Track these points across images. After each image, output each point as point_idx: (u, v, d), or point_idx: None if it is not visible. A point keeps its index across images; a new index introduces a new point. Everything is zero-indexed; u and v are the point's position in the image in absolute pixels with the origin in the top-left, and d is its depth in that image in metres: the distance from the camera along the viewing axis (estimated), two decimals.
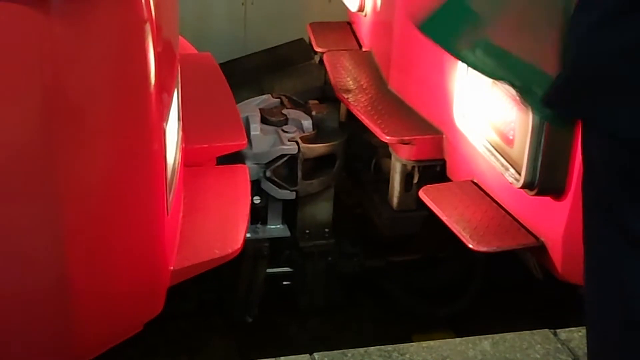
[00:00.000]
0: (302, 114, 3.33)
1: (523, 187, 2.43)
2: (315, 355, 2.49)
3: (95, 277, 2.04)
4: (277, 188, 3.19)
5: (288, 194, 3.21)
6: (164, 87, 2.10)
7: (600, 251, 1.40)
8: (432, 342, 2.57)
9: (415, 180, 3.09)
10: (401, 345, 2.55)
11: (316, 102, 3.50)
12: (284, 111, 3.34)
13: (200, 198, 2.55)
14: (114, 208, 2.04)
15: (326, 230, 3.38)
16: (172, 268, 2.23)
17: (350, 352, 2.52)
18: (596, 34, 1.25)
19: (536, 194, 2.43)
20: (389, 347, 2.54)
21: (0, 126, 1.84)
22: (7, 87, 1.82)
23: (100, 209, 2.02)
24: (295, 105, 3.42)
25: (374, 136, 3.16)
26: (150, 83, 1.97)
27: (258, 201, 3.18)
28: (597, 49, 1.25)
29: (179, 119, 2.44)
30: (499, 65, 1.50)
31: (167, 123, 2.14)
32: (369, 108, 3.23)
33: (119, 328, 2.18)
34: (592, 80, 1.26)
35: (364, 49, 3.77)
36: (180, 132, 2.48)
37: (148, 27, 1.93)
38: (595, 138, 1.33)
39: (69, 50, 1.84)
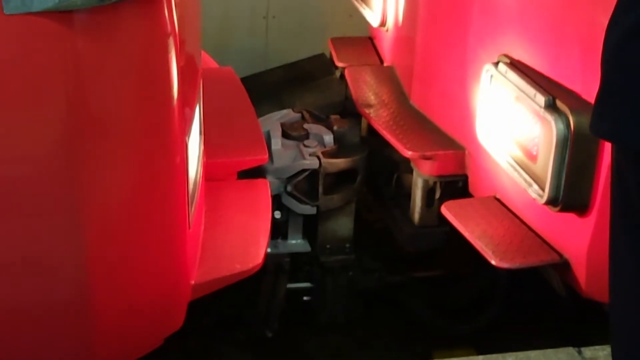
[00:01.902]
0: (324, 128, 3.32)
1: (547, 203, 2.41)
2: None
3: (117, 290, 2.03)
4: (298, 203, 3.18)
5: (309, 209, 3.20)
6: (186, 101, 2.10)
7: (628, 267, 1.37)
8: None
9: (437, 196, 3.08)
10: None
11: (337, 116, 3.49)
12: (305, 126, 3.33)
13: (222, 212, 2.55)
14: (135, 221, 2.03)
15: (347, 245, 3.36)
16: (193, 282, 2.22)
17: None
18: (628, 42, 1.22)
19: (560, 210, 2.41)
20: None
21: (24, 139, 1.84)
22: (30, 101, 1.82)
23: (122, 222, 2.01)
24: (317, 119, 3.41)
25: (396, 151, 3.15)
26: (173, 97, 1.97)
27: (279, 216, 3.18)
28: (628, 58, 1.22)
29: (200, 133, 2.44)
30: None
31: (189, 137, 2.14)
32: (391, 123, 3.22)
33: (139, 342, 2.18)
34: (623, 90, 1.23)
35: (385, 64, 3.76)
36: (202, 146, 2.48)
37: (171, 41, 1.93)
38: (626, 153, 1.31)
39: (92, 63, 1.84)
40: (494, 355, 2.56)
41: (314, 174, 3.17)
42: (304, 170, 3.16)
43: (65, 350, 2.04)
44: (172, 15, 1.94)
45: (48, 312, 1.98)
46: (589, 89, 2.31)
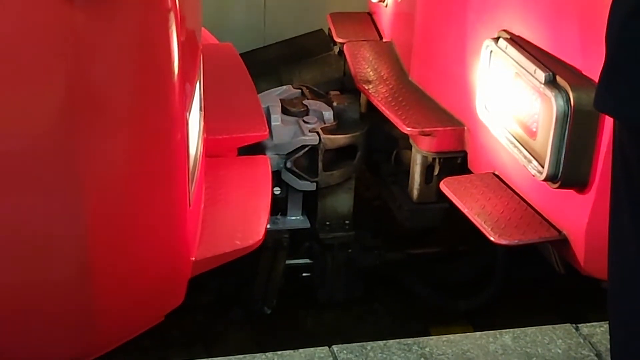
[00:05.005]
0: (323, 104, 3.31)
1: (546, 179, 2.41)
2: (335, 347, 2.48)
3: (118, 268, 2.04)
4: (297, 179, 3.18)
5: (308, 185, 3.20)
6: (187, 77, 2.09)
7: (628, 244, 1.38)
8: (452, 336, 2.56)
9: (436, 172, 3.08)
10: (421, 339, 2.54)
11: (337, 92, 3.48)
12: (305, 102, 3.33)
13: (222, 189, 2.55)
14: (136, 198, 2.03)
15: (346, 222, 3.37)
16: (193, 259, 2.23)
17: (369, 345, 2.51)
18: (633, 20, 1.23)
19: (559, 187, 2.41)
20: (409, 341, 2.52)
21: (24, 115, 1.84)
22: (30, 76, 1.82)
23: (122, 199, 2.01)
24: (316, 96, 3.41)
25: (395, 127, 3.15)
26: (173, 72, 1.96)
27: (278, 192, 3.18)
28: (632, 36, 1.23)
29: (201, 109, 2.44)
30: None
31: (189, 113, 2.13)
32: (390, 99, 3.21)
33: (140, 319, 2.18)
34: (627, 68, 1.24)
35: (384, 40, 3.75)
36: (202, 122, 2.47)
37: (172, 16, 1.92)
38: (629, 132, 1.31)
39: (93, 39, 1.84)
40: (491, 332, 2.57)
41: (313, 150, 3.17)
42: (303, 147, 3.15)
43: (67, 326, 2.04)
44: None
45: (50, 289, 1.99)
46: (589, 64, 2.31)
